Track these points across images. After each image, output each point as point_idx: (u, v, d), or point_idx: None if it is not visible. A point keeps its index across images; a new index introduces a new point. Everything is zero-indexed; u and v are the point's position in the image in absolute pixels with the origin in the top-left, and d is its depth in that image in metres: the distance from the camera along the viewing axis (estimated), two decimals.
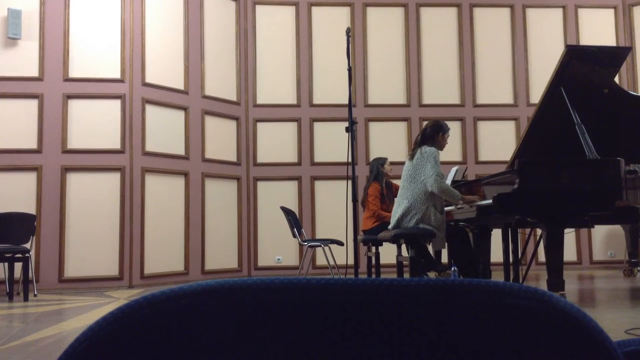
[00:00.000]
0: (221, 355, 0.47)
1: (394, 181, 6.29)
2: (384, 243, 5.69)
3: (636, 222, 5.94)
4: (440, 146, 4.77)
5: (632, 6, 8.78)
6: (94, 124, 6.89)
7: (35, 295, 5.96)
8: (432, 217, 4.55)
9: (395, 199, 4.95)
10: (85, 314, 4.58)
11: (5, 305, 5.35)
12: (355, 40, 8.47)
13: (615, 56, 4.57)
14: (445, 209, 4.92)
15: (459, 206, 4.83)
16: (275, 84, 8.44)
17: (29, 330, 3.75)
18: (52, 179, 6.70)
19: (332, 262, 6.68)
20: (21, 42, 6.79)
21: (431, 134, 4.74)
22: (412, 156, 4.73)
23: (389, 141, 8.39)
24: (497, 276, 4.77)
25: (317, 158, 8.36)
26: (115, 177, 6.88)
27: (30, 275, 5.91)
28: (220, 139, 8.02)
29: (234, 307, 0.47)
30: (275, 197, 8.13)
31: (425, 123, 5.22)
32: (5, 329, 3.87)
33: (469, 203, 4.63)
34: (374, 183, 6.15)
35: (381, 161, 6.27)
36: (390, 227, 4.88)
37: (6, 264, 5.78)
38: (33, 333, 3.65)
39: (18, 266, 5.86)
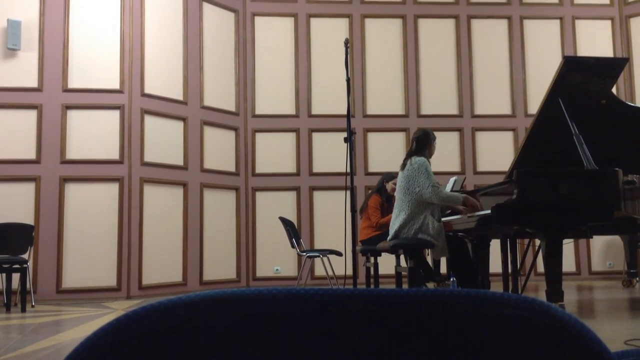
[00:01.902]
0: None
1: None
2: (382, 253, 5.68)
3: (635, 232, 5.94)
4: (431, 154, 4.81)
5: (629, 17, 8.83)
6: (93, 135, 6.89)
7: (32, 306, 5.93)
8: (430, 226, 4.55)
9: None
10: (83, 324, 4.56)
11: (3, 316, 5.32)
12: (354, 51, 8.50)
13: (612, 67, 4.58)
14: (444, 219, 4.92)
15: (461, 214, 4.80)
16: (274, 94, 8.46)
17: (27, 342, 3.74)
18: (51, 189, 6.70)
19: (330, 273, 6.66)
20: (20, 52, 6.80)
21: (424, 144, 4.77)
22: (403, 166, 4.75)
23: (387, 152, 8.40)
24: (496, 287, 4.77)
25: (316, 168, 8.36)
26: (114, 188, 6.87)
27: (28, 286, 5.88)
28: (219, 149, 8.02)
29: (233, 317, 0.47)
30: (274, 207, 8.12)
31: (420, 129, 5.22)
32: (3, 340, 3.85)
33: (471, 206, 4.57)
34: (375, 195, 6.13)
35: (388, 177, 6.23)
36: (388, 238, 4.88)
37: (4, 275, 5.76)
38: (31, 344, 3.63)
39: (16, 277, 5.83)
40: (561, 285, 3.89)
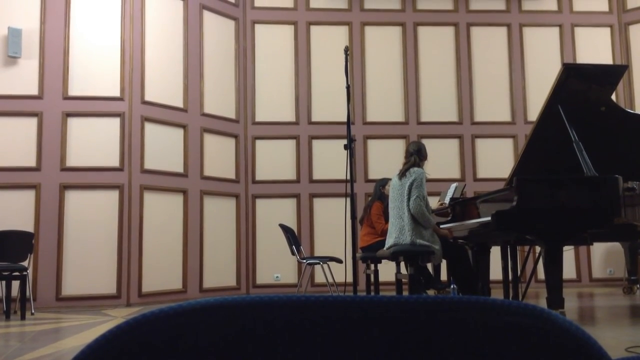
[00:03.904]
0: None
1: None
2: (382, 260, 5.68)
3: (635, 239, 5.94)
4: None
5: (628, 25, 8.86)
6: (93, 142, 6.90)
7: (32, 314, 5.91)
8: (424, 230, 4.59)
9: None
10: (82, 332, 4.55)
11: (2, 324, 5.31)
12: (354, 59, 8.52)
13: (611, 74, 4.59)
14: (444, 226, 4.92)
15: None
16: (274, 101, 8.47)
17: (26, 349, 3.72)
18: (51, 196, 6.69)
19: (330, 280, 6.65)
20: (21, 60, 6.82)
21: (422, 157, 4.88)
22: (402, 175, 4.79)
23: (387, 158, 8.40)
24: (497, 294, 4.76)
25: (316, 175, 8.37)
26: (114, 195, 6.87)
27: (27, 293, 5.87)
28: (219, 156, 8.03)
29: (232, 325, 0.47)
30: (274, 214, 8.12)
31: (416, 142, 5.29)
32: (2, 348, 3.84)
33: (439, 234, 4.71)
34: (377, 202, 6.12)
35: (384, 182, 6.24)
36: (386, 246, 4.88)
37: (4, 282, 5.75)
38: (30, 352, 3.62)
39: (15, 284, 5.82)
40: (562, 292, 3.88)
